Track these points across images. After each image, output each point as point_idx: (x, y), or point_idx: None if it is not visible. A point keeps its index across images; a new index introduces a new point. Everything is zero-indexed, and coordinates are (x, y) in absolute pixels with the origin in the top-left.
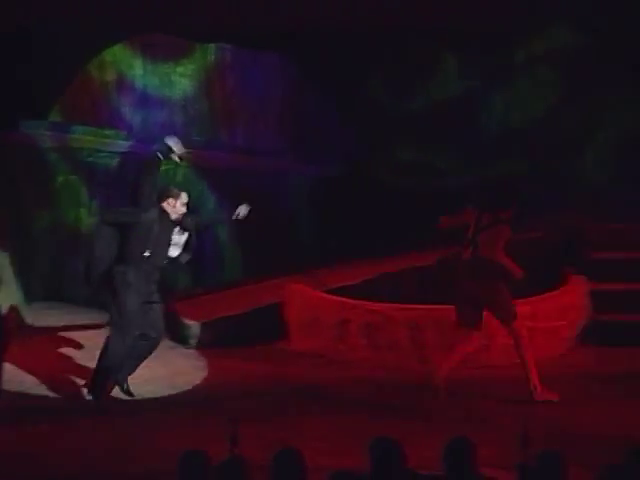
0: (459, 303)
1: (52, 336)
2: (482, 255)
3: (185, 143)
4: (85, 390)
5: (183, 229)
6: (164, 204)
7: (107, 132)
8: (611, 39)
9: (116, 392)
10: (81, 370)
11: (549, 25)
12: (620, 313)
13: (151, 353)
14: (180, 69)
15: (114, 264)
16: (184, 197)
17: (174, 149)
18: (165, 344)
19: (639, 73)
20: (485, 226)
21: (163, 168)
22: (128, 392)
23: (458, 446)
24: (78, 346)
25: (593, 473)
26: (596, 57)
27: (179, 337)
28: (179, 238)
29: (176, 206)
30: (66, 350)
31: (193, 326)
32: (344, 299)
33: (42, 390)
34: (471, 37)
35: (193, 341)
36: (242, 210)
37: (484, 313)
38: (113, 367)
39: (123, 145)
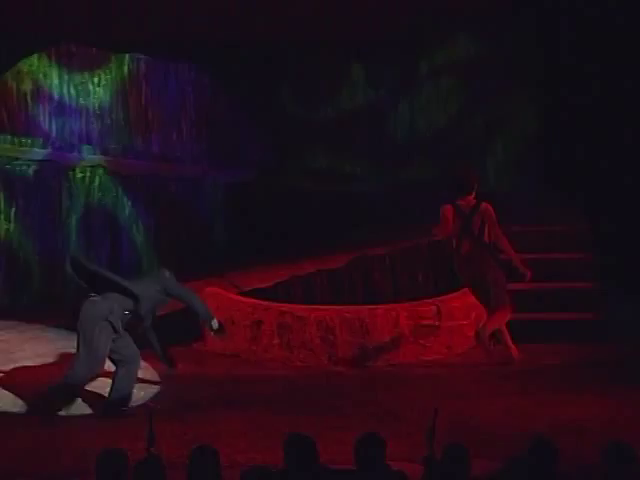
0: (478, 292)
1: None
2: (483, 241)
3: (101, 150)
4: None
5: None
6: None
7: (24, 140)
8: (509, 50)
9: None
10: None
11: (450, 36)
12: (520, 312)
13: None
14: (96, 78)
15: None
16: None
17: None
18: None
19: (536, 82)
20: (471, 213)
21: (79, 175)
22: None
23: (367, 441)
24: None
25: (497, 464)
26: (495, 67)
27: None
28: None
29: None
30: None
31: None
32: (257, 301)
33: None
34: (377, 48)
35: None
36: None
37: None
38: (76, 387)
39: (40, 153)
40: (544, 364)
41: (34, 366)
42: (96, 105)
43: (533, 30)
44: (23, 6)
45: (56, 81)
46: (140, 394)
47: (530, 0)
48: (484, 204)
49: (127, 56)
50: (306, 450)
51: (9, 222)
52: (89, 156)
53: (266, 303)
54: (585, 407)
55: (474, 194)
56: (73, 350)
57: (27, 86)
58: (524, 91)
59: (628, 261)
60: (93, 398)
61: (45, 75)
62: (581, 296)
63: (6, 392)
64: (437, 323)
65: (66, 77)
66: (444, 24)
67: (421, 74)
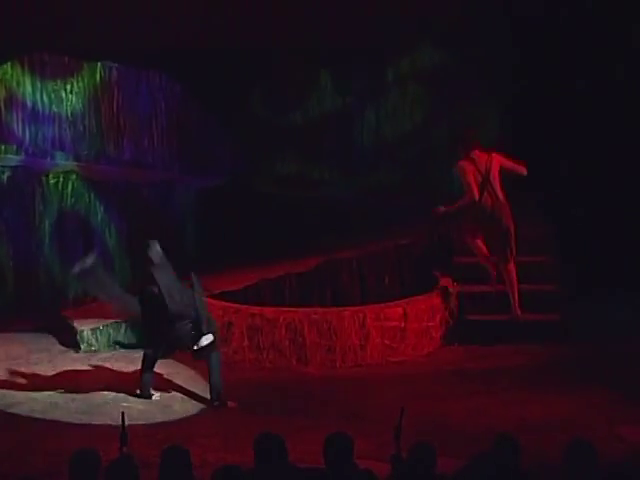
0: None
1: None
2: (501, 191)
3: (74, 157)
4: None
5: None
6: None
7: None
8: (475, 57)
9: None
10: None
11: (417, 43)
12: (483, 313)
13: None
14: (69, 86)
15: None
16: None
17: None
18: (56, 349)
19: (502, 90)
20: (487, 165)
21: (52, 181)
22: None
23: (336, 440)
24: None
25: (461, 461)
26: (461, 74)
27: (70, 342)
28: None
29: None
30: None
31: (83, 331)
32: (228, 303)
33: None
34: (345, 55)
35: (84, 346)
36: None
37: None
38: None
39: (14, 159)
40: (509, 364)
41: (7, 369)
42: (69, 112)
43: (499, 38)
44: None
45: (29, 89)
46: (110, 395)
47: (497, 8)
48: (494, 153)
49: (99, 64)
50: (276, 449)
51: None
52: (62, 162)
53: (236, 305)
54: (549, 406)
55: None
56: (45, 353)
57: (0, 94)
58: (489, 97)
59: (591, 263)
60: (66, 399)
61: (18, 83)
62: (546, 298)
63: None
64: (403, 325)
65: (39, 85)
66: (410, 31)
67: (388, 81)
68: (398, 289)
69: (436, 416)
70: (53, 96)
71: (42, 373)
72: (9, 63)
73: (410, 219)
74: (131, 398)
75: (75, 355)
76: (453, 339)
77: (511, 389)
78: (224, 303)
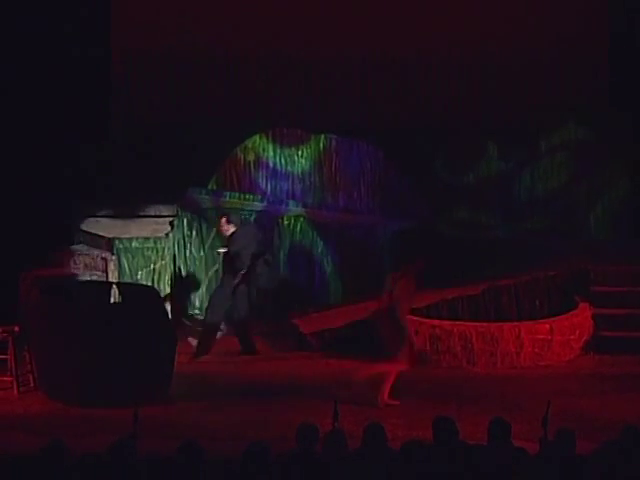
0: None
1: None
2: None
3: (302, 204)
4: None
5: None
6: None
7: (248, 196)
8: (608, 132)
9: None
10: None
11: (562, 122)
12: (614, 330)
13: None
14: (300, 152)
15: None
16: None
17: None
18: (287, 347)
19: (628, 155)
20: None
21: (286, 222)
22: None
23: (496, 424)
24: None
25: (595, 445)
26: (597, 145)
27: (295, 343)
28: None
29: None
30: None
31: (307, 335)
32: (416, 317)
33: None
34: (507, 130)
35: (306, 346)
36: None
37: None
38: None
39: (259, 206)
40: (636, 370)
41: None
42: (299, 171)
43: (628, 118)
44: (251, 101)
45: (271, 153)
46: (326, 384)
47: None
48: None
49: (323, 136)
50: (450, 429)
51: None
52: (293, 208)
53: (421, 319)
54: None
55: None
56: (279, 350)
57: (251, 157)
58: (619, 162)
59: None
60: (294, 383)
61: (264, 149)
62: None
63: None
64: (550, 337)
65: (278, 151)
66: (558, 113)
67: (540, 150)
68: (546, 309)
69: (575, 408)
70: (288, 159)
71: (277, 364)
72: (258, 135)
73: (556, 256)
74: (342, 386)
75: (301, 352)
76: (589, 349)
77: (637, 389)
78: (413, 317)
